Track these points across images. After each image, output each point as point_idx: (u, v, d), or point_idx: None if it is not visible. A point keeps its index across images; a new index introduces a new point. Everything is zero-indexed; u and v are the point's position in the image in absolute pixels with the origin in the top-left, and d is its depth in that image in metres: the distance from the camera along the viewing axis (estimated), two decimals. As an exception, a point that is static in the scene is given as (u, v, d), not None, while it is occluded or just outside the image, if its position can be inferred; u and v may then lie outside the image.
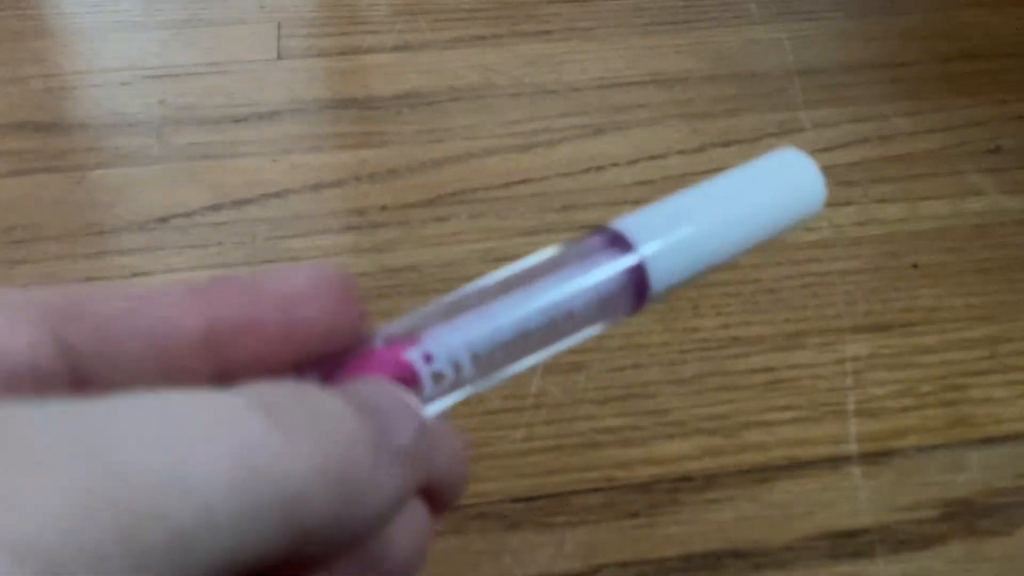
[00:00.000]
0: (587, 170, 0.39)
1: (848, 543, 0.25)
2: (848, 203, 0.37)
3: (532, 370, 0.30)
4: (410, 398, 0.14)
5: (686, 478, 0.26)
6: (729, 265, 0.18)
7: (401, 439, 0.12)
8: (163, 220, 0.36)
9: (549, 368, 0.30)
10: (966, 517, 0.25)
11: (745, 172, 0.18)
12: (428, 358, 0.15)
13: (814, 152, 0.41)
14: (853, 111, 0.42)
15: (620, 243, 0.17)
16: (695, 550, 0.25)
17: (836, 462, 0.27)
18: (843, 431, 0.28)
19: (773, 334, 0.31)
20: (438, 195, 0.37)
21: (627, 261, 0.16)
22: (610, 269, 0.16)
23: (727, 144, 0.40)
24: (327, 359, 0.15)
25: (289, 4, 0.53)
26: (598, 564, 0.24)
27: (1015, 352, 0.30)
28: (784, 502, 0.26)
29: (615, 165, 0.39)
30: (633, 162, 0.39)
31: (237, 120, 0.42)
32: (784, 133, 0.41)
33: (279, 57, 0.47)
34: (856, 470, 0.27)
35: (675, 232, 0.17)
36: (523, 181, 0.38)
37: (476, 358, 0.15)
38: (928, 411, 0.28)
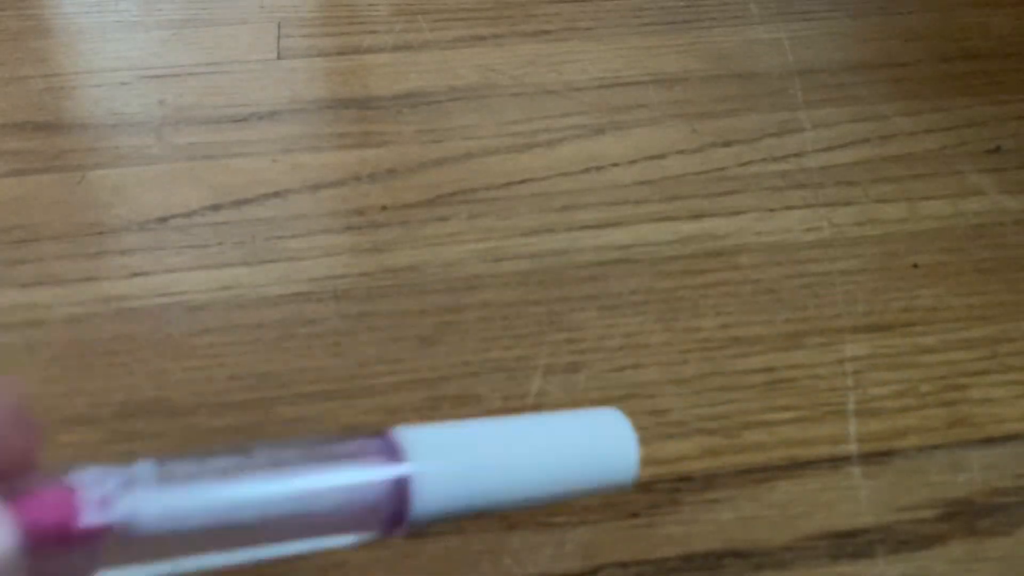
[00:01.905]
0: (587, 170, 0.39)
1: (848, 543, 0.25)
2: (848, 203, 0.37)
3: (533, 369, 0.30)
4: None
5: (686, 478, 0.26)
6: (511, 508, 0.16)
7: None
8: (163, 220, 0.36)
9: (549, 368, 0.30)
10: (966, 517, 0.25)
11: (559, 421, 0.17)
12: (105, 505, 0.13)
13: (814, 152, 0.42)
14: (853, 111, 0.42)
15: (392, 452, 0.15)
16: (695, 550, 0.25)
17: (836, 462, 0.27)
18: (843, 431, 0.28)
19: (773, 334, 0.31)
20: (438, 195, 0.37)
21: (392, 472, 0.15)
22: (370, 475, 0.14)
23: (727, 144, 0.40)
24: None
25: (289, 4, 0.53)
26: (598, 564, 0.24)
27: (1015, 352, 0.30)
28: (784, 502, 0.26)
29: (615, 165, 0.39)
30: (633, 162, 0.39)
31: (237, 120, 0.42)
32: (784, 133, 0.41)
33: (279, 57, 0.47)
34: (856, 470, 0.27)
35: (457, 457, 0.15)
36: (523, 181, 0.38)
37: (169, 529, 0.13)
38: (928, 411, 0.28)
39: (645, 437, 0.28)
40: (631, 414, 0.28)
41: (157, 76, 0.46)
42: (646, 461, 0.27)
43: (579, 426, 0.17)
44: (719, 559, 0.25)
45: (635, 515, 0.26)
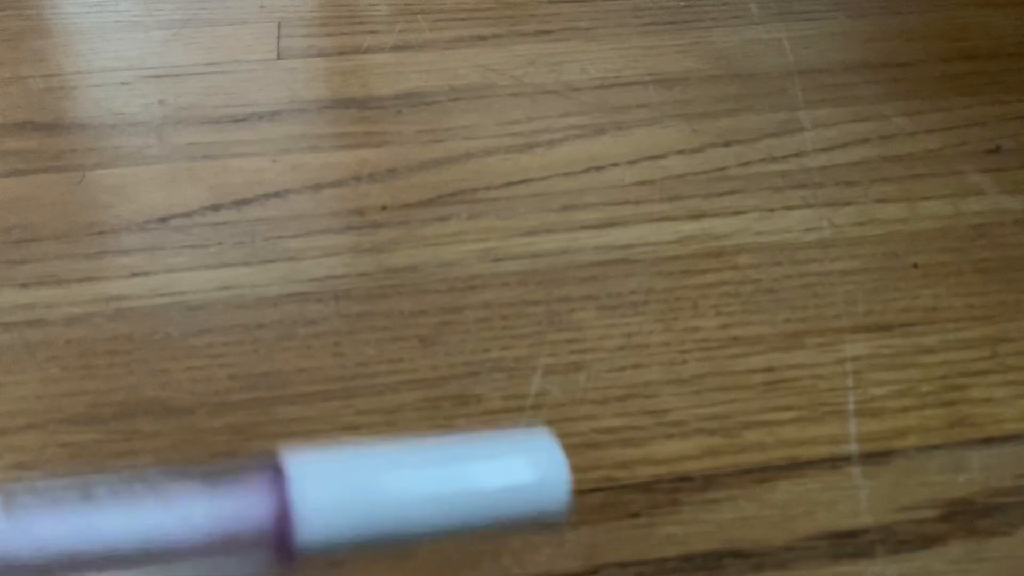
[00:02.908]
0: (587, 170, 0.39)
1: (848, 543, 0.25)
2: (848, 203, 0.37)
3: (532, 369, 0.30)
4: None
5: (686, 478, 0.26)
6: (420, 542, 0.15)
7: None
8: (163, 220, 0.36)
9: (549, 368, 0.30)
10: (966, 517, 0.25)
11: (477, 445, 0.15)
12: None
13: (814, 152, 0.41)
14: (853, 111, 0.42)
15: (275, 479, 0.13)
16: (695, 550, 0.25)
17: (836, 462, 0.27)
18: (843, 431, 0.28)
19: (773, 334, 0.31)
20: (438, 195, 0.37)
21: (271, 501, 0.13)
22: (245, 506, 0.13)
23: (727, 144, 0.40)
24: None
25: (289, 4, 0.53)
26: (598, 564, 0.24)
27: (1015, 352, 0.30)
28: (784, 502, 0.26)
29: (615, 165, 0.39)
30: (633, 162, 0.39)
31: (237, 120, 0.42)
32: (784, 133, 0.41)
33: (279, 57, 0.47)
34: (856, 470, 0.27)
35: (349, 484, 0.14)
36: (523, 181, 0.38)
37: (21, 554, 0.12)
38: (928, 411, 0.28)
39: (645, 437, 0.28)
40: (631, 414, 0.28)
41: (157, 76, 0.46)
42: (646, 461, 0.27)
43: (500, 450, 0.15)
44: (719, 559, 0.25)
45: (635, 515, 0.26)
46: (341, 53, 0.48)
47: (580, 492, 0.26)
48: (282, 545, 0.14)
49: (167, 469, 0.14)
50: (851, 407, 0.28)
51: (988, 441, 0.28)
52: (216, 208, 0.37)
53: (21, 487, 0.13)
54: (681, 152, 0.40)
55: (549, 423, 0.28)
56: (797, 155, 0.39)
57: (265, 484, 0.14)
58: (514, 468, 0.15)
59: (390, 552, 0.14)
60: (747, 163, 0.39)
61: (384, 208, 0.37)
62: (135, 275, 0.34)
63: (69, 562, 0.13)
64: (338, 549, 0.14)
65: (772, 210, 0.36)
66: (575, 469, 0.27)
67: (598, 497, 0.26)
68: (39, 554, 0.13)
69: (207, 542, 0.13)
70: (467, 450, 0.15)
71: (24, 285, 0.33)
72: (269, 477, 0.14)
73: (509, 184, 0.38)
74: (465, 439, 0.15)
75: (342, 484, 0.14)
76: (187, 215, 0.36)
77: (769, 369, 0.30)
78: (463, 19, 0.51)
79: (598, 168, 0.39)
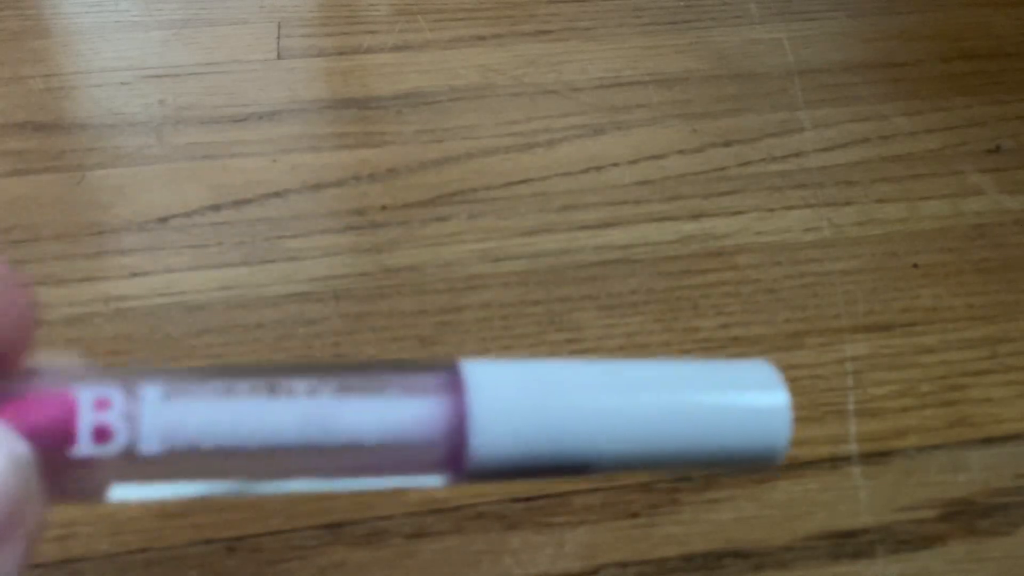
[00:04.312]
0: (587, 170, 0.39)
1: (848, 543, 0.25)
2: (848, 203, 0.37)
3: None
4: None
5: (686, 478, 0.26)
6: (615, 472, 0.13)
7: None
8: (163, 220, 0.36)
9: (549, 368, 0.30)
10: (966, 517, 0.25)
11: (681, 369, 0.13)
12: (102, 405, 0.12)
13: (814, 152, 0.41)
14: (853, 111, 0.42)
15: (453, 386, 0.13)
16: (695, 550, 0.25)
17: (836, 462, 0.27)
18: (843, 431, 0.28)
19: (773, 334, 0.31)
20: (438, 195, 0.37)
21: (446, 406, 0.12)
22: (417, 409, 0.12)
23: (727, 144, 0.40)
24: None
25: (289, 4, 0.53)
26: (598, 564, 0.24)
27: (1015, 352, 0.30)
28: (784, 502, 0.26)
29: (615, 165, 0.39)
30: (633, 162, 0.39)
31: (237, 120, 0.42)
32: (784, 133, 0.41)
33: (279, 57, 0.47)
34: (856, 470, 0.27)
35: (530, 396, 0.13)
36: (523, 181, 0.38)
37: (172, 444, 0.12)
38: (928, 411, 0.28)
39: (645, 437, 0.28)
40: (631, 414, 0.28)
41: (157, 76, 0.46)
42: (646, 461, 0.27)
43: (716, 375, 0.13)
44: (719, 559, 0.25)
45: (635, 515, 0.26)
46: (341, 53, 0.48)
47: (580, 492, 0.26)
48: (453, 456, 0.13)
49: (339, 365, 0.13)
50: (851, 407, 0.28)
51: (988, 441, 0.28)
52: (216, 208, 0.37)
53: (165, 386, 0.13)
54: (681, 152, 0.40)
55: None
56: (797, 155, 0.39)
57: (440, 389, 0.13)
58: (730, 396, 0.13)
59: (569, 477, 0.13)
60: (747, 163, 0.39)
61: (384, 208, 0.37)
62: (135, 275, 0.34)
63: (220, 466, 0.12)
64: (513, 467, 0.13)
65: (772, 210, 0.36)
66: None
67: (598, 497, 0.26)
68: (189, 456, 0.12)
69: (373, 454, 0.13)
70: (675, 371, 0.13)
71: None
72: (445, 382, 0.13)
73: (509, 184, 0.38)
74: (672, 361, 0.13)
75: (525, 396, 0.13)
76: (187, 215, 0.36)
77: (769, 369, 0.30)
78: (463, 19, 0.51)
79: (598, 168, 0.39)
